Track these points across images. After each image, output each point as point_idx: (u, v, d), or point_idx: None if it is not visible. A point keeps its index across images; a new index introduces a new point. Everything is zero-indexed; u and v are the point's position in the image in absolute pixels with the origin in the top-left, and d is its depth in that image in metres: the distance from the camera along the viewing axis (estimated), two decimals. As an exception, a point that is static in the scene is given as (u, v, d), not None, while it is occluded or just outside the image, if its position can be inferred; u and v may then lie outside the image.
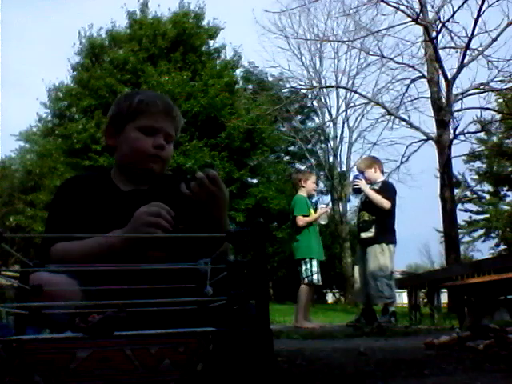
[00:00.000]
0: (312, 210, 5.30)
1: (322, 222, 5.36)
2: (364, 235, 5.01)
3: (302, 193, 5.38)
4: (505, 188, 24.47)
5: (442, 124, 13.34)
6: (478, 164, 24.07)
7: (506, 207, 24.53)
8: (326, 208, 5.39)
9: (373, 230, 4.93)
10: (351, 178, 5.21)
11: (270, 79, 20.89)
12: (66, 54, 31.15)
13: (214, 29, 21.20)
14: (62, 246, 1.33)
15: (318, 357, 1.92)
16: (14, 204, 20.34)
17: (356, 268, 5.33)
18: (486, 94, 13.48)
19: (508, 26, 12.31)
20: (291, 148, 24.86)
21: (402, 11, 13.13)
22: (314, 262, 5.01)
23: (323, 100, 21.83)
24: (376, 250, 4.83)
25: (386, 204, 4.84)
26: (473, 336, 2.05)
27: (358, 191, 5.18)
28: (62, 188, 1.54)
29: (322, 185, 24.68)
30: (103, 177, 1.55)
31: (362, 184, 5.00)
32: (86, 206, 1.44)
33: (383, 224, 4.90)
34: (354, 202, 16.55)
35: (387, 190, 4.98)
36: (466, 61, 12.71)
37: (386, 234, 4.89)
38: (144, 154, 1.48)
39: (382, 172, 5.29)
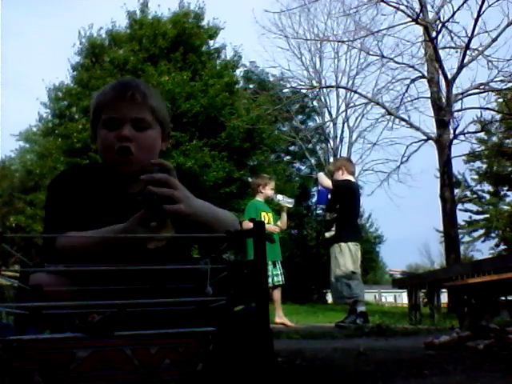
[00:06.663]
0: (266, 214, 5.39)
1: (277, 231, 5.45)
2: (327, 235, 5.10)
3: (259, 198, 5.52)
4: (505, 188, 24.43)
5: (442, 124, 13.36)
6: (478, 164, 24.05)
7: (506, 207, 24.49)
8: (274, 227, 5.40)
9: (334, 228, 5.00)
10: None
11: (271, 79, 20.89)
12: (66, 54, 31.18)
13: (214, 29, 21.18)
14: (68, 240, 1.25)
15: (318, 357, 1.92)
16: (13, 204, 20.32)
17: None
18: (485, 94, 13.52)
19: (508, 25, 12.33)
20: (291, 148, 24.85)
21: (402, 11, 13.16)
22: None
23: (323, 100, 21.84)
24: (335, 250, 4.91)
25: (329, 184, 5.02)
26: (473, 336, 2.05)
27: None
28: (57, 183, 1.44)
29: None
30: (97, 172, 1.44)
31: (320, 174, 5.25)
32: (84, 203, 1.36)
33: (343, 222, 4.94)
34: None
35: (342, 190, 5.02)
36: (465, 61, 12.74)
37: (346, 231, 4.91)
38: (111, 150, 1.33)
39: (353, 173, 5.23)
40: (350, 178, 5.13)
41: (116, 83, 1.42)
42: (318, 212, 25.23)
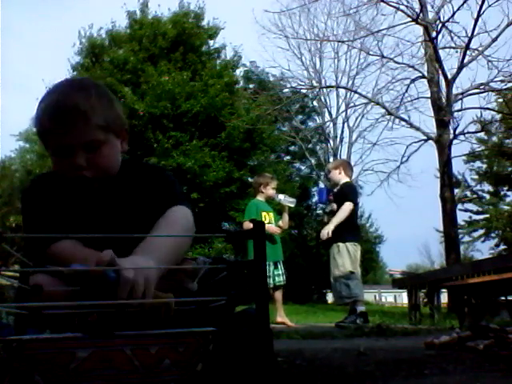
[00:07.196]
0: (267, 214, 5.37)
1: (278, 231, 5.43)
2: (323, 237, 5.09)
3: (260, 197, 5.48)
4: (505, 188, 24.43)
5: (442, 124, 13.36)
6: (478, 164, 24.07)
7: (506, 207, 24.48)
8: (276, 228, 5.40)
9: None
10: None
11: (271, 79, 20.90)
12: (66, 54, 31.21)
13: (214, 29, 21.19)
14: (60, 251, 1.20)
15: (318, 357, 1.92)
16: (14, 204, 20.32)
17: None
18: (485, 93, 13.52)
19: (508, 25, 12.33)
20: (291, 148, 24.85)
21: (402, 11, 13.15)
22: None
23: (323, 100, 21.85)
24: (333, 250, 4.96)
25: (348, 208, 4.89)
26: (473, 336, 2.05)
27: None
28: (31, 192, 1.37)
29: (322, 185, 24.73)
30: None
31: (328, 229, 4.90)
32: (63, 208, 1.30)
33: (342, 222, 4.93)
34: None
35: (345, 192, 5.03)
36: (465, 61, 12.74)
37: (343, 232, 4.92)
38: (66, 177, 1.26)
39: (350, 176, 5.32)
40: (347, 179, 5.22)
41: (50, 108, 1.23)
42: (318, 212, 25.26)
